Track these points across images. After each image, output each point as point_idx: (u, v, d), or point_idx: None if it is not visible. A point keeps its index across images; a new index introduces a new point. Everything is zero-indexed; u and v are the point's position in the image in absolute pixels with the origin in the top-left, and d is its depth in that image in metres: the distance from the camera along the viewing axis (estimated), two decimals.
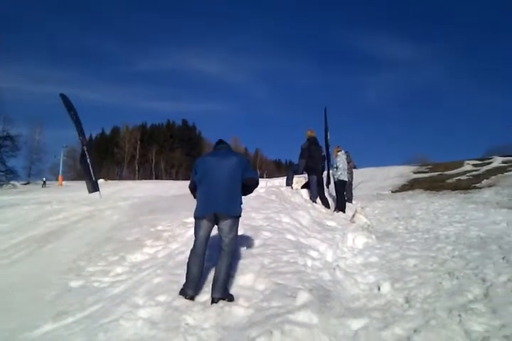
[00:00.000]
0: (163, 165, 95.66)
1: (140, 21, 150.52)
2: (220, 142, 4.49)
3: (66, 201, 12.98)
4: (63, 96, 14.24)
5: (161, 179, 77.46)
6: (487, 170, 25.09)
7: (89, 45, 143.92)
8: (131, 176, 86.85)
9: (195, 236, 4.08)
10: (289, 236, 5.98)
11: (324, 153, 10.89)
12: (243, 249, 5.21)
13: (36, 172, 58.39)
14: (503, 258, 5.37)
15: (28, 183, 46.31)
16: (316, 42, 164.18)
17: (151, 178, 78.14)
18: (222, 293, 3.84)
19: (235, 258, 4.43)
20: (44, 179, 43.90)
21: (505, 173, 21.23)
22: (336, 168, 10.64)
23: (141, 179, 72.00)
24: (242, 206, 4.20)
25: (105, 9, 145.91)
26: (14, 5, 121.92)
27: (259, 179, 4.51)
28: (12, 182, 42.90)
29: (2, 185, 40.87)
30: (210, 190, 4.05)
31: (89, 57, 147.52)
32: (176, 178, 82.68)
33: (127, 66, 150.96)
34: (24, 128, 62.73)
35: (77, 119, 14.24)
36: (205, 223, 4.04)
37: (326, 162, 10.83)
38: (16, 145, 45.97)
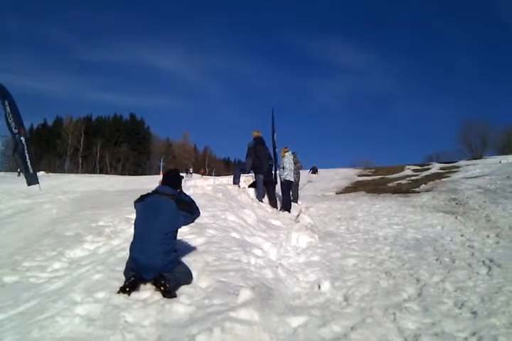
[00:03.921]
0: (109, 159, 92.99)
1: (93, 11, 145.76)
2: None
3: (1, 193, 12.33)
4: None
5: (106, 173, 75.32)
6: (426, 176, 26.31)
7: (37, 33, 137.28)
8: (74, 169, 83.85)
9: None
10: (234, 235, 6.01)
11: (271, 153, 11.00)
12: (187, 247, 5.17)
13: None
14: (437, 259, 5.67)
15: None
16: (270, 43, 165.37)
17: (95, 172, 75.81)
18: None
19: (177, 255, 4.39)
20: None
21: (443, 179, 22.35)
22: (283, 168, 10.79)
23: (84, 173, 69.67)
24: None
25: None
26: None
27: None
28: None
29: None
30: None
31: (36, 45, 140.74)
32: (122, 173, 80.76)
33: (75, 55, 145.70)
34: None
35: (12, 109, 13.50)
36: None
37: (273, 162, 10.93)
38: None
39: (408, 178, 26.02)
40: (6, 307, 3.90)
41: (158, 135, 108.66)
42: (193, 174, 48.76)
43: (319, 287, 4.56)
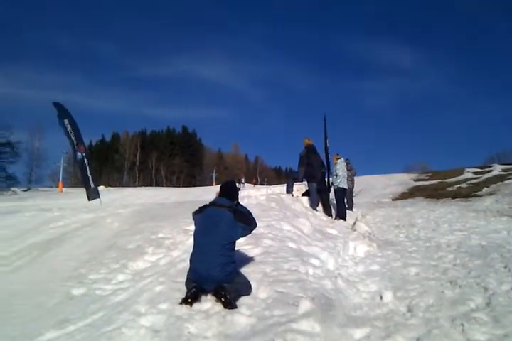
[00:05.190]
0: (164, 172, 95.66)
1: (141, 28, 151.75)
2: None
3: (66, 208, 12.97)
4: (57, 105, 14.19)
5: (162, 186, 77.43)
6: (487, 178, 25.06)
7: (90, 50, 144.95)
8: (132, 183, 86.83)
9: None
10: (291, 244, 5.99)
11: (324, 160, 10.92)
12: (245, 257, 5.21)
13: (36, 179, 58.47)
14: (505, 266, 5.38)
15: (28, 190, 46.20)
16: (316, 48, 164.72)
17: (151, 185, 78.09)
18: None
19: (236, 266, 4.43)
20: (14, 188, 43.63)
21: (506, 181, 21.20)
22: (336, 175, 10.67)
23: (141, 185, 71.92)
24: None
25: (106, 15, 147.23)
26: (13, 7, 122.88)
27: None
28: (12, 188, 42.87)
29: (2, 191, 40.87)
30: None
31: (90, 63, 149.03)
32: (177, 185, 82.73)
33: (128, 72, 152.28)
34: (24, 134, 62.74)
35: (73, 127, 14.18)
36: None
37: (326, 169, 10.84)
38: (15, 151, 46.04)
39: (468, 182, 24.91)
40: (75, 319, 4.09)
41: (210, 146, 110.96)
42: (246, 184, 49.14)
43: (381, 297, 4.45)
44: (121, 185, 78.39)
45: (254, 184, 54.58)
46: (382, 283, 5.00)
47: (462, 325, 3.54)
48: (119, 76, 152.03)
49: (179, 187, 69.59)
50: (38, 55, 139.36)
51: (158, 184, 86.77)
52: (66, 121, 14.10)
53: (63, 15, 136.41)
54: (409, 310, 4.08)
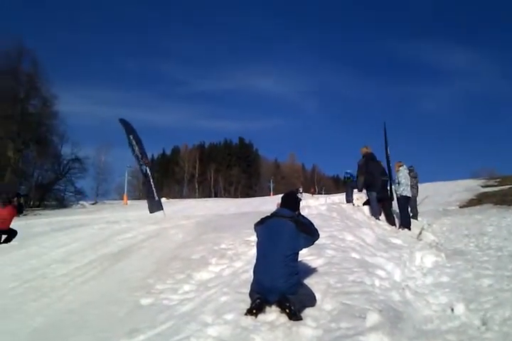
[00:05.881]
0: (222, 183, 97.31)
1: (197, 42, 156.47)
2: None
3: (133, 220, 13.49)
4: (123, 121, 14.85)
5: (220, 197, 78.68)
6: None
7: (149, 67, 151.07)
8: (192, 194, 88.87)
9: None
10: (354, 255, 5.88)
11: (386, 168, 10.66)
12: (308, 268, 5.18)
13: (103, 192, 61.34)
14: None
15: (95, 203, 48.57)
16: (368, 53, 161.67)
17: (210, 196, 79.54)
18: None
19: (299, 277, 4.41)
20: (82, 202, 45.77)
21: None
22: (398, 183, 10.38)
23: (201, 197, 73.50)
24: None
25: (164, 32, 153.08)
26: (76, 30, 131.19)
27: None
28: (81, 202, 45.30)
29: (72, 205, 43.27)
30: None
31: (150, 79, 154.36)
32: (235, 196, 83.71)
33: (185, 87, 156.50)
34: (91, 149, 66.19)
35: (138, 142, 14.75)
36: None
37: (388, 178, 10.59)
38: (83, 166, 48.76)
39: None
40: (144, 328, 4.22)
41: (266, 157, 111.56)
42: (304, 193, 48.87)
43: (452, 310, 4.26)
44: (182, 196, 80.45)
45: (313, 193, 54.07)
46: (453, 295, 4.79)
47: None
48: (177, 91, 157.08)
49: (237, 197, 70.47)
50: (104, 75, 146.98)
51: (216, 195, 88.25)
52: (131, 136, 14.71)
53: (127, 41, 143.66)
54: (484, 323, 3.88)
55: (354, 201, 10.46)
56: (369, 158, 10.22)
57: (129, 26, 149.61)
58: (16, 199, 12.05)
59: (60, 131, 46.66)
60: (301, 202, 5.17)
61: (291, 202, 4.53)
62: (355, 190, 10.95)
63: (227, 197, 77.62)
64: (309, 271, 5.11)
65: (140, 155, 14.66)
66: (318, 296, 4.21)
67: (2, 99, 40.42)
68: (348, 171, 12.10)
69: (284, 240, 4.12)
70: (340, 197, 10.52)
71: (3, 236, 11.15)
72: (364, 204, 10.63)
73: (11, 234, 11.32)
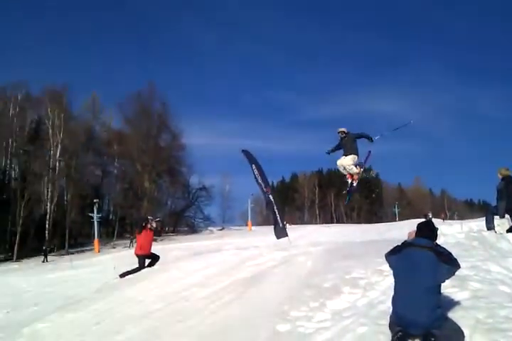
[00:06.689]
0: (343, 209, 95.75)
1: (310, 72, 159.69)
2: None
3: (261, 246, 13.89)
4: (245, 152, 15.54)
5: (342, 222, 77.40)
6: None
7: (267, 98, 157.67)
8: (312, 220, 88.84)
9: None
10: (503, 288, 5.39)
11: None
12: (451, 301, 4.89)
13: (228, 219, 64.41)
14: None
15: (222, 229, 50.97)
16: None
17: (332, 222, 78.74)
18: None
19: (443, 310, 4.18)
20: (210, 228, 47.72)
21: None
22: None
23: (322, 223, 73.03)
24: None
25: (277, 62, 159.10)
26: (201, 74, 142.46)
27: None
28: (209, 228, 48.03)
29: (201, 230, 46.02)
30: None
31: (269, 109, 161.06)
32: (358, 221, 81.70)
33: (300, 115, 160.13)
34: (216, 179, 70.17)
35: (260, 171, 15.27)
36: None
37: None
38: (210, 195, 52.08)
39: None
40: None
41: (389, 181, 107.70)
42: (434, 219, 45.98)
43: None
44: (303, 222, 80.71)
45: (444, 219, 50.63)
46: None
47: None
48: (290, 119, 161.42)
49: (359, 223, 68.68)
50: (226, 110, 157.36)
51: (338, 221, 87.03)
52: (253, 166, 15.33)
53: (243, 69, 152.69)
54: None
55: (496, 228, 9.59)
56: (509, 181, 9.42)
57: (254, 65, 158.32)
58: (149, 223, 12.69)
59: (187, 162, 50.64)
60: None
61: (428, 231, 4.37)
62: (497, 216, 10.07)
63: (349, 222, 76.10)
64: (453, 304, 4.82)
65: (263, 184, 15.16)
66: (466, 332, 3.95)
67: (138, 137, 45.36)
68: None
69: (425, 271, 3.97)
70: (477, 224, 9.69)
71: (147, 261, 12.13)
72: (508, 231, 9.70)
73: (154, 259, 12.28)
